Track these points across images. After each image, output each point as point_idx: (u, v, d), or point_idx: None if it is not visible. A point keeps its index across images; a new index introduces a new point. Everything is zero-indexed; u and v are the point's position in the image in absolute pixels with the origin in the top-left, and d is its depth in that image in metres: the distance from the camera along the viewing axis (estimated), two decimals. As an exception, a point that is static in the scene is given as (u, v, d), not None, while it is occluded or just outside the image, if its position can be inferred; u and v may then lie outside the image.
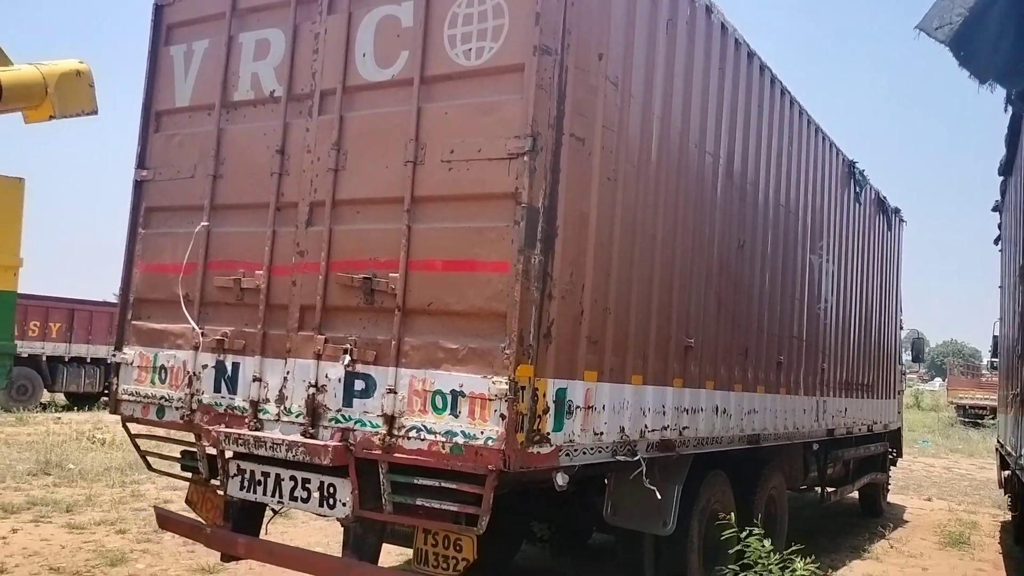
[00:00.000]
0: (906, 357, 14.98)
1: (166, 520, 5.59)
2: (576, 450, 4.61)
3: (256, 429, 4.89)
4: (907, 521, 12.35)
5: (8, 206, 5.63)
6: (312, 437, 4.67)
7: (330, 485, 4.66)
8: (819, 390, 8.82)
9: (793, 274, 8.02)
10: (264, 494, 4.91)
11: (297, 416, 4.78)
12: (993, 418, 34.33)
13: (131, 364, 5.56)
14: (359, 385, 4.60)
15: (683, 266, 5.79)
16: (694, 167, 5.93)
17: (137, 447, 5.68)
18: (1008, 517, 12.92)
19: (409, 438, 4.38)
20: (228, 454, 5.10)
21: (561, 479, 4.54)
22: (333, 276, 4.76)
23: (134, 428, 5.59)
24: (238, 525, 5.19)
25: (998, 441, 11.40)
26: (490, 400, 4.17)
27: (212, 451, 5.15)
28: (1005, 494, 11.50)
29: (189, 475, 5.58)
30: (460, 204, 4.42)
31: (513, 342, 4.13)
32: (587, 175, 4.67)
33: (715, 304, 6.31)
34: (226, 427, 4.96)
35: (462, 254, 4.37)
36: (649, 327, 5.36)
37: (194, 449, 5.46)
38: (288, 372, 4.86)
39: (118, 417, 5.67)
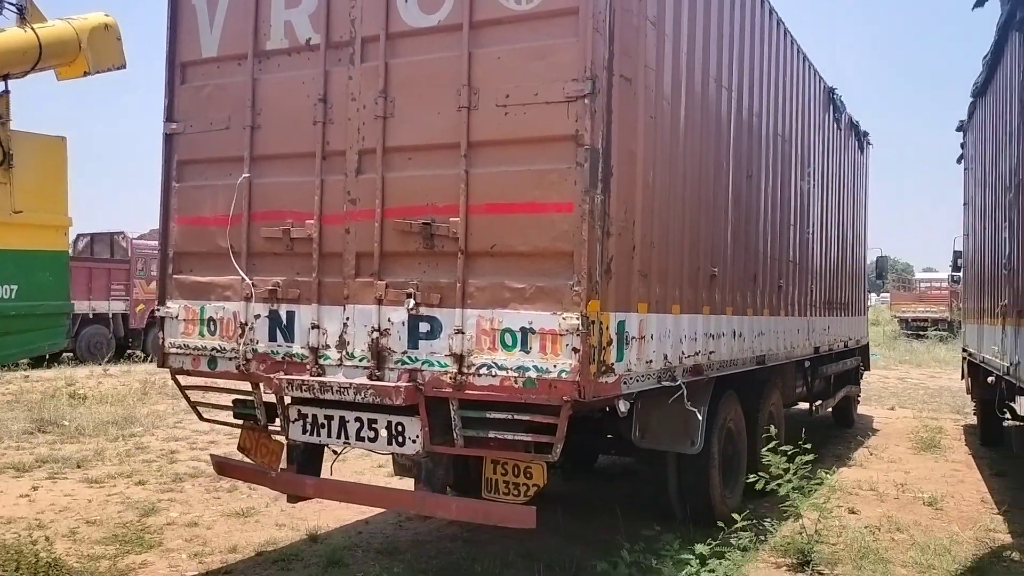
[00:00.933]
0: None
1: (226, 467, 5.74)
2: (632, 378, 4.87)
3: (318, 375, 5.03)
4: (878, 430, 13.05)
5: (53, 166, 5.54)
6: (378, 379, 4.83)
7: (398, 424, 4.85)
8: (809, 310, 9.26)
9: (789, 201, 8.34)
10: (329, 436, 5.08)
11: (361, 360, 4.92)
12: (936, 329, 35.88)
13: (176, 318, 5.61)
14: (424, 327, 4.76)
15: (707, 199, 6.03)
16: (714, 103, 6.13)
17: (187, 398, 5.77)
18: (970, 421, 13.80)
19: (480, 375, 4.58)
20: (286, 400, 5.24)
21: (623, 406, 4.81)
22: (389, 223, 4.86)
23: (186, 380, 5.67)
24: (302, 467, 5.36)
25: (965, 350, 12.08)
26: (561, 335, 4.38)
27: (270, 398, 5.29)
28: (972, 399, 12.25)
29: (240, 422, 5.70)
30: (518, 147, 4.54)
31: (583, 279, 4.33)
32: (634, 114, 4.83)
33: (731, 234, 6.58)
34: (286, 374, 5.09)
35: (523, 196, 4.51)
36: (683, 259, 5.61)
37: (246, 397, 5.59)
38: (348, 318, 4.98)
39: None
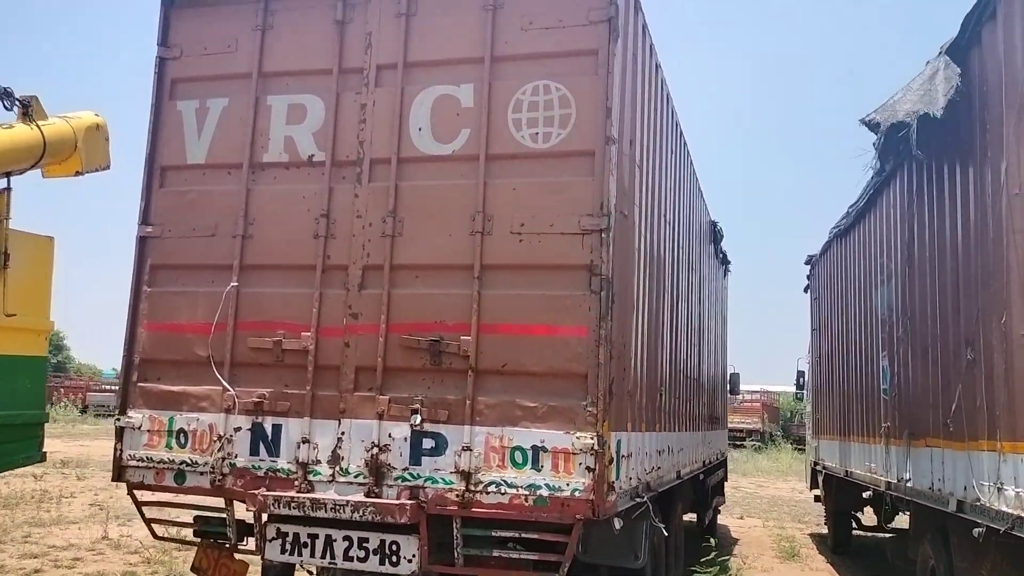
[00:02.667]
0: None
1: None
2: (622, 496, 5.11)
3: (307, 491, 4.92)
4: (738, 539, 13.82)
5: (38, 266, 5.17)
6: (376, 496, 4.81)
7: (392, 543, 4.81)
8: (701, 424, 9.90)
9: (691, 321, 9.03)
10: (312, 556, 4.94)
11: (356, 476, 4.88)
12: (751, 439, 38.34)
13: (138, 428, 5.31)
14: (428, 444, 4.81)
15: (659, 322, 6.51)
16: (665, 234, 6.70)
17: (143, 515, 5.41)
18: (814, 530, 14.92)
19: (488, 492, 4.68)
20: (263, 517, 5.06)
21: (617, 523, 5.02)
22: (394, 338, 4.94)
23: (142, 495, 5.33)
24: None
25: (817, 463, 13.18)
26: (574, 454, 4.59)
27: (241, 514, 5.08)
28: (825, 510, 13.31)
29: (198, 541, 5.41)
30: (532, 273, 4.81)
31: (598, 400, 4.59)
32: (629, 247, 5.25)
33: (669, 353, 7.09)
34: (269, 490, 4.95)
35: (537, 319, 4.76)
36: (647, 378, 6.00)
37: (211, 514, 5.34)
38: (343, 433, 4.95)
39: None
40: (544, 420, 4.66)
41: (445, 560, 4.81)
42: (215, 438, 5.13)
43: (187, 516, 5.56)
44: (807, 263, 13.67)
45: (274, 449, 5.07)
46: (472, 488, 4.69)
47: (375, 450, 4.86)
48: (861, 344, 9.61)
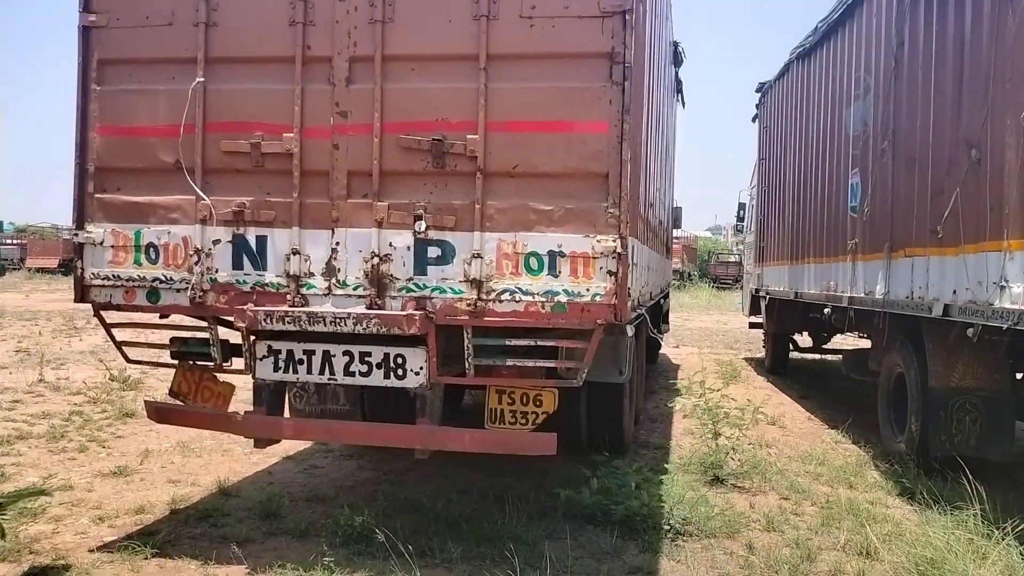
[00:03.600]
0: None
1: (168, 413, 5.02)
2: (633, 303, 4.92)
3: (300, 305, 4.55)
4: (679, 365, 14.19)
5: None
6: (379, 309, 4.48)
7: (397, 356, 4.53)
8: (662, 250, 9.81)
9: (659, 144, 8.73)
10: (309, 373, 4.63)
11: (356, 288, 4.53)
12: (675, 279, 39.38)
13: (100, 244, 4.78)
14: (433, 252, 4.46)
15: (646, 133, 6.17)
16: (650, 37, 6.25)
17: (113, 337, 4.96)
18: (748, 354, 15.46)
19: (502, 301, 4.40)
20: (250, 336, 4.70)
21: (630, 330, 4.84)
22: (391, 139, 4.47)
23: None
24: (271, 409, 4.83)
25: (759, 290, 13.44)
26: (595, 258, 4.31)
27: (224, 334, 4.71)
28: (764, 335, 13.71)
29: (176, 363, 5.03)
30: (544, 62, 4.36)
31: (620, 201, 4.28)
32: (641, 31, 4.81)
33: (650, 167, 6.79)
34: (257, 306, 4.56)
35: (551, 115, 4.35)
36: (640, 189, 5.71)
37: (190, 335, 4.94)
38: (338, 243, 4.54)
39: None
40: (561, 224, 4.34)
41: (454, 371, 4.57)
42: (191, 252, 4.66)
43: (160, 338, 5.14)
44: (758, 91, 13.40)
45: (260, 262, 4.63)
46: (484, 297, 4.40)
47: (375, 260, 4.48)
48: (824, 166, 9.52)
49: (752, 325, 14.51)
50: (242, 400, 5.56)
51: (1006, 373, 6.29)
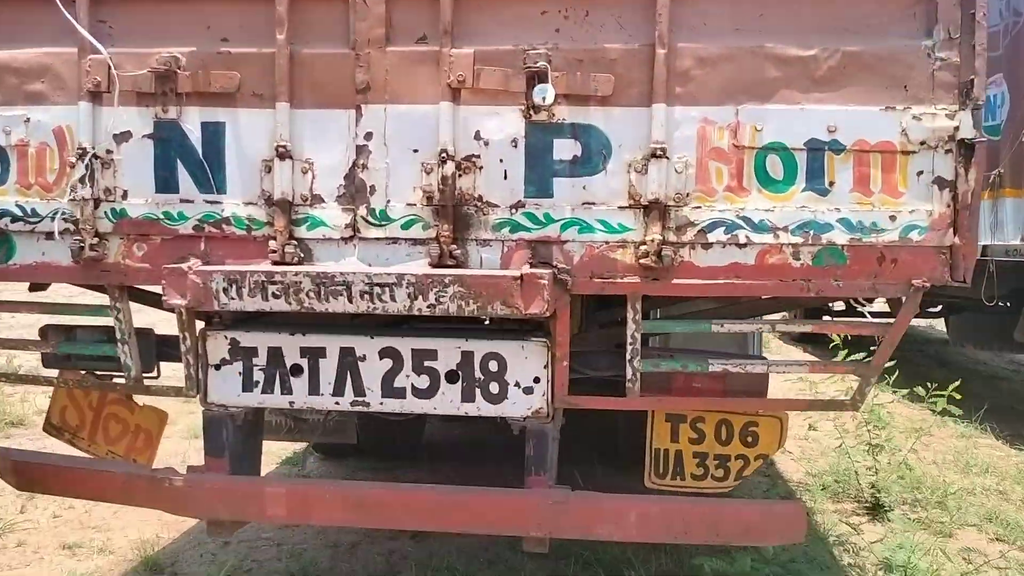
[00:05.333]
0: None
1: (34, 473, 2.62)
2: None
3: (296, 261, 2.28)
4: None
5: None
6: (458, 264, 2.23)
7: (489, 358, 2.31)
8: None
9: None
10: (313, 393, 2.38)
11: (406, 225, 2.27)
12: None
13: None
14: (566, 150, 2.22)
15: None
16: None
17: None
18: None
19: (708, 246, 2.18)
20: (195, 324, 2.42)
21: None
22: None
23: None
24: (239, 460, 2.53)
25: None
26: (906, 154, 2.12)
27: (147, 317, 2.42)
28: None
29: (55, 377, 2.71)
30: None
31: (958, 34, 2.09)
32: None
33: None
34: (212, 262, 2.29)
35: None
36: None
37: (73, 323, 2.64)
38: (369, 135, 2.27)
39: None
40: (832, 86, 2.13)
41: (596, 386, 2.38)
42: (70, 159, 2.33)
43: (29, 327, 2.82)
44: None
45: (211, 176, 2.33)
46: (673, 238, 2.18)
47: (446, 169, 2.22)
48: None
49: None
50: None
51: None
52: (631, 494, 2.38)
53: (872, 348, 2.33)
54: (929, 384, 4.64)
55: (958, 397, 4.19)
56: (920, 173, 2.12)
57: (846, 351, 3.60)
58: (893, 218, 2.13)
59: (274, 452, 4.99)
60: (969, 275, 2.11)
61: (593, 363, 2.51)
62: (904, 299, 2.15)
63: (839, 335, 3.52)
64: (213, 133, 2.31)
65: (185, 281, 2.21)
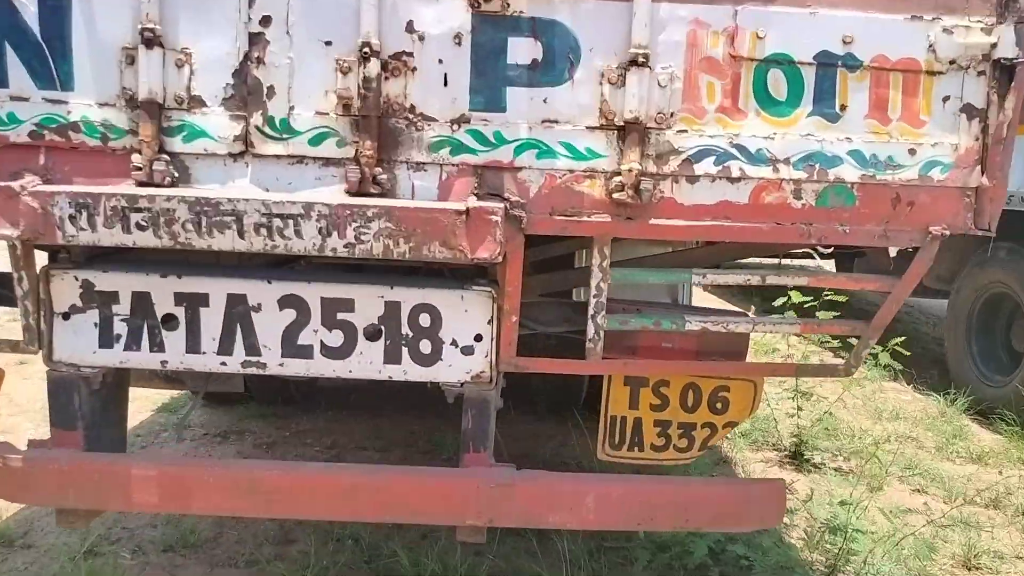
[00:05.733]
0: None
1: None
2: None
3: (168, 183, 1.76)
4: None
5: None
6: (384, 191, 1.77)
7: (420, 311, 1.87)
8: None
9: None
10: (192, 351, 1.89)
11: (316, 141, 1.77)
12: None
13: None
14: (522, 51, 1.76)
15: None
16: None
17: None
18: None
19: (695, 178, 1.79)
20: (34, 260, 1.88)
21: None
22: None
23: None
24: (95, 433, 2.01)
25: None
26: (932, 74, 1.77)
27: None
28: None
29: None
30: None
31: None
32: None
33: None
34: (54, 180, 1.75)
35: None
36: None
37: None
38: (266, 18, 1.75)
39: None
40: (847, -14, 1.75)
41: (551, 346, 1.99)
42: None
43: None
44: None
45: (54, 65, 1.76)
46: (652, 169, 1.78)
47: (370, 67, 1.72)
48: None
49: None
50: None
51: None
52: (588, 473, 2.01)
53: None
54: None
55: (906, 353, 4.02)
56: (947, 99, 1.77)
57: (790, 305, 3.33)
58: (913, 152, 1.78)
59: (148, 397, 4.42)
60: (995, 223, 1.79)
61: (538, 316, 2.11)
62: (919, 249, 1.82)
63: (790, 287, 3.25)
64: (55, 7, 1.73)
65: (17, 205, 1.66)
